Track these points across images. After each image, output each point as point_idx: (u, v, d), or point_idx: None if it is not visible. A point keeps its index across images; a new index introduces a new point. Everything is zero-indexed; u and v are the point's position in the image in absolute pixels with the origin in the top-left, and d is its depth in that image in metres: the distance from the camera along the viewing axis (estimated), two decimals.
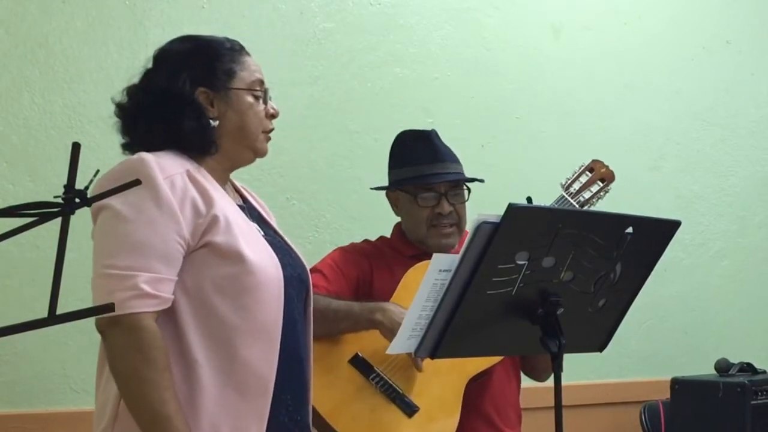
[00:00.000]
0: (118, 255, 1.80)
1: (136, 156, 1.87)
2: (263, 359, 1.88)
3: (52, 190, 1.28)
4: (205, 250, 1.86)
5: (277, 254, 1.95)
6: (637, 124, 3.94)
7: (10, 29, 2.81)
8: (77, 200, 1.10)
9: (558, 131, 3.74)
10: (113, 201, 1.80)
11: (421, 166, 2.57)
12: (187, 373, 1.83)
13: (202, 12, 3.09)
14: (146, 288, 1.78)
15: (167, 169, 1.86)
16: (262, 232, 1.99)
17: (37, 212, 1.10)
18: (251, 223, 1.99)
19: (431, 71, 3.50)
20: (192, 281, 1.85)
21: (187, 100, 1.95)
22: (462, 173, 2.61)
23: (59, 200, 1.10)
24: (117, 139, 2.84)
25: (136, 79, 2.01)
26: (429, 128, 2.69)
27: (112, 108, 2.87)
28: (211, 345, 1.85)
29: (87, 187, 1.12)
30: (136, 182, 1.25)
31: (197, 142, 1.95)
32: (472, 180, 2.63)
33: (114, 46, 2.95)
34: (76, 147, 1.10)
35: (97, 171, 1.27)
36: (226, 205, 1.92)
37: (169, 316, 1.83)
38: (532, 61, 3.71)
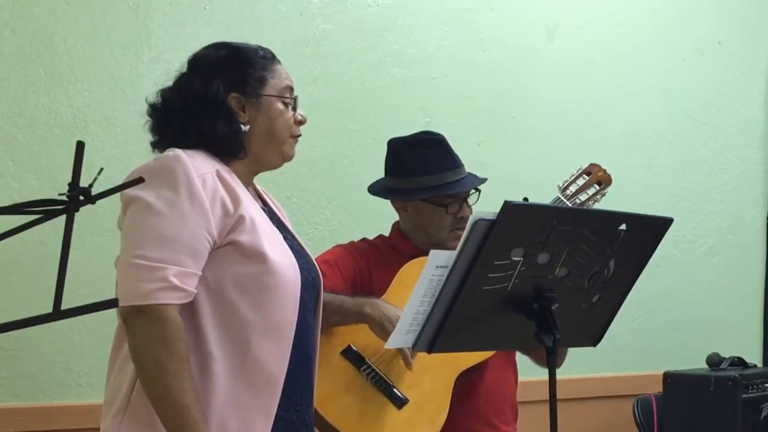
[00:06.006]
0: (150, 246, 1.81)
1: (171, 153, 1.90)
2: (275, 357, 1.91)
3: (56, 188, 1.28)
4: (230, 247, 1.89)
5: (295, 257, 1.99)
6: (630, 123, 3.96)
7: (16, 30, 2.82)
8: (81, 198, 1.10)
9: (552, 130, 3.76)
10: (147, 194, 1.84)
11: (443, 173, 2.55)
12: (201, 365, 1.85)
13: (204, 13, 3.09)
14: (175, 281, 1.80)
15: (200, 167, 1.89)
16: (282, 236, 2.02)
17: (42, 209, 1.11)
18: (273, 226, 2.01)
19: (428, 71, 3.52)
20: (213, 277, 1.88)
21: (221, 105, 1.99)
22: (473, 175, 2.62)
23: (64, 198, 1.11)
24: (120, 138, 2.91)
25: (170, 82, 2.05)
26: (428, 129, 2.69)
27: (116, 108, 2.93)
28: (226, 339, 1.87)
29: (91, 185, 1.12)
30: (140, 180, 1.28)
31: (227, 146, 1.99)
32: (484, 181, 2.63)
33: (117, 46, 2.95)
34: (80, 146, 1.11)
35: (101, 169, 1.27)
36: (251, 207, 1.95)
37: (187, 309, 1.85)
38: (527, 62, 3.73)
